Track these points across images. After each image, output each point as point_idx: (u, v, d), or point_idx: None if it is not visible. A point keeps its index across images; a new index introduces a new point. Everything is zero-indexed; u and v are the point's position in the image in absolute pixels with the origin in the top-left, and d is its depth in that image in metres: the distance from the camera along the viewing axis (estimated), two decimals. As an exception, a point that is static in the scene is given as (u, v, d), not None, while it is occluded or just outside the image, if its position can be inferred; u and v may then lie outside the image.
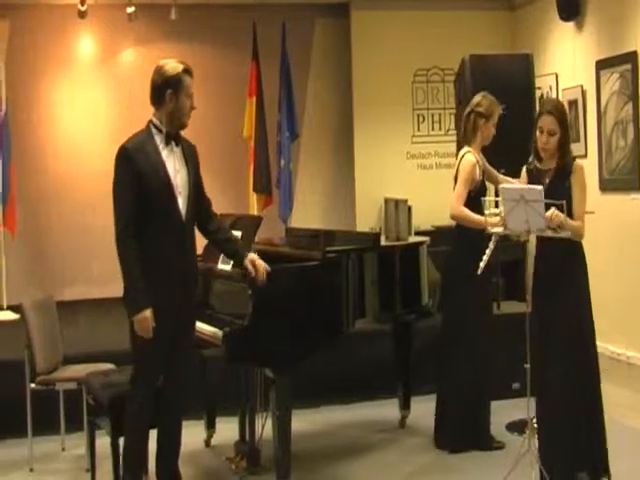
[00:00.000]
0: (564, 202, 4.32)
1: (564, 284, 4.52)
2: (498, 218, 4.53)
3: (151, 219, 4.15)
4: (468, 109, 5.35)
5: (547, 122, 4.53)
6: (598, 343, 7.68)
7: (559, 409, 4.47)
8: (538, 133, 4.57)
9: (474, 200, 5.02)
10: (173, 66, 4.23)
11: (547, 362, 4.48)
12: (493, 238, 4.63)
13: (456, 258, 5.35)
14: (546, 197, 4.31)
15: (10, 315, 5.52)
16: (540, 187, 4.32)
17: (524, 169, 4.76)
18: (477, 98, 5.34)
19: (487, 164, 5.39)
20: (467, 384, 5.28)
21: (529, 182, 4.61)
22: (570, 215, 4.41)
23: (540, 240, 4.59)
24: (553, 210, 4.32)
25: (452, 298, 5.43)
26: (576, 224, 4.47)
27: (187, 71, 4.26)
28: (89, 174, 8.93)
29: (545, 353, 4.49)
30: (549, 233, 4.37)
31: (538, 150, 4.60)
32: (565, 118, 4.61)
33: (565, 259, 4.54)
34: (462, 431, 5.29)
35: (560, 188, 4.47)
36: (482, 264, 4.62)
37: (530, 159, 4.70)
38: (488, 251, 4.63)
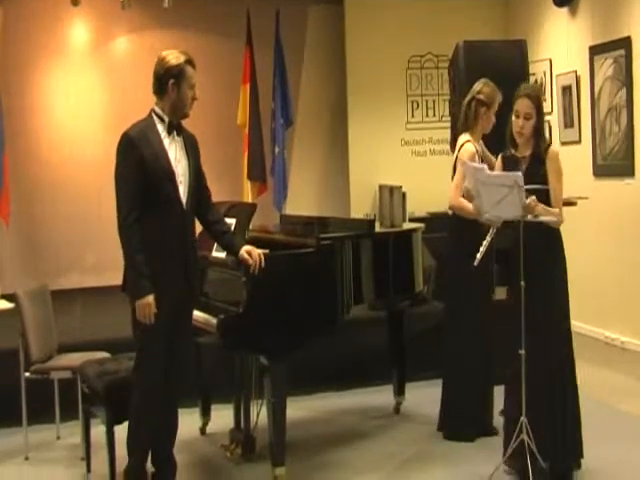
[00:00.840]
0: (549, 187, 4.34)
1: (541, 271, 4.52)
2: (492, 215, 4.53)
3: (153, 207, 4.17)
4: (469, 96, 5.30)
5: (523, 105, 4.57)
6: (593, 328, 7.78)
7: (534, 397, 4.50)
8: (514, 117, 4.62)
9: None
10: (175, 56, 4.27)
11: (521, 347, 4.50)
12: (491, 229, 4.64)
13: (454, 246, 5.34)
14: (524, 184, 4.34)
15: (4, 304, 5.51)
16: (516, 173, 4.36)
17: (500, 156, 4.78)
18: (478, 85, 5.29)
19: (486, 151, 5.37)
20: (472, 371, 5.28)
21: (505, 169, 4.64)
22: (548, 202, 4.44)
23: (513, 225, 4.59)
24: (532, 199, 4.34)
25: (452, 286, 5.42)
26: (554, 211, 4.49)
27: (189, 62, 4.29)
28: (83, 162, 8.92)
29: (520, 338, 4.50)
30: (530, 218, 4.38)
31: (513, 135, 4.62)
32: (541, 103, 4.65)
33: (542, 246, 4.55)
34: (469, 418, 5.29)
35: (536, 175, 4.49)
36: (479, 255, 4.63)
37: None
38: (485, 242, 4.64)
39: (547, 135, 4.78)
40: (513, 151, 4.67)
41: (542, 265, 4.53)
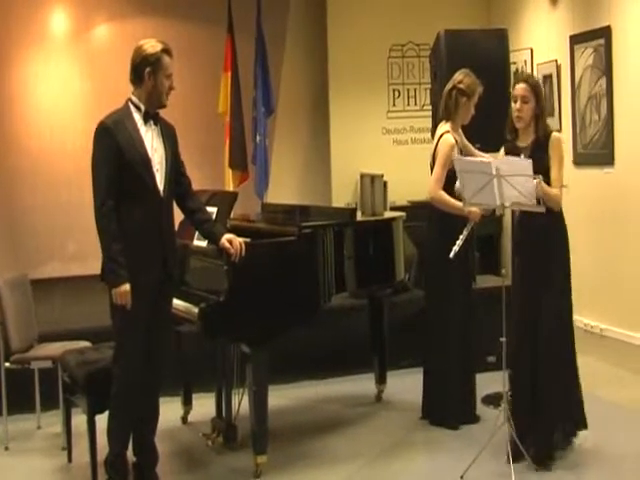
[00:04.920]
0: (540, 176, 4.37)
1: (548, 256, 4.56)
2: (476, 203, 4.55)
3: (129, 195, 4.18)
4: (450, 85, 5.29)
5: (520, 89, 4.65)
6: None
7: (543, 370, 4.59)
8: (512, 103, 4.66)
9: (453, 179, 5.00)
10: (152, 45, 4.27)
11: (529, 331, 4.56)
12: (468, 224, 4.67)
13: (435, 234, 5.34)
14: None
15: (-16, 293, 5.48)
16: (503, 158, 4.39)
17: (502, 149, 4.80)
18: (460, 75, 5.27)
19: (465, 140, 5.37)
20: (454, 359, 5.30)
21: None
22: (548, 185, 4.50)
23: (520, 211, 4.62)
24: (539, 179, 4.40)
25: (434, 274, 5.43)
26: (553, 191, 4.54)
27: (166, 51, 4.29)
28: (63, 150, 8.86)
29: (528, 322, 4.56)
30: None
31: (514, 124, 4.65)
32: (539, 88, 4.73)
33: (547, 230, 4.58)
34: (452, 406, 5.31)
35: (539, 162, 4.50)
36: (455, 247, 4.65)
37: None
38: (462, 236, 4.66)
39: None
40: (514, 141, 4.71)
41: (546, 251, 4.58)
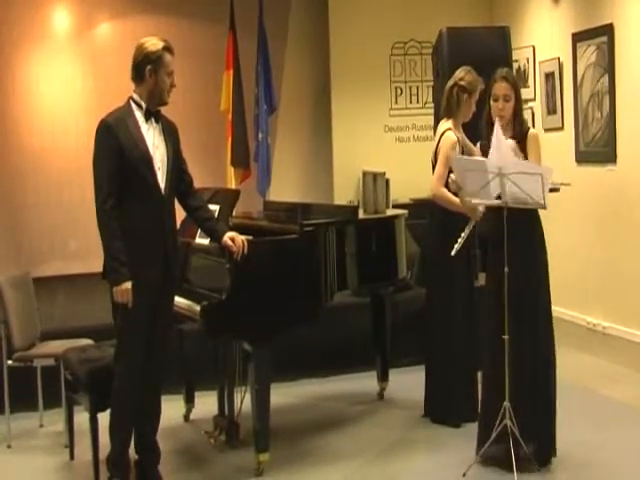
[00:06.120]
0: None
1: (521, 256, 4.52)
2: (477, 201, 4.53)
3: (131, 193, 4.18)
4: (451, 82, 5.29)
5: (502, 88, 4.62)
6: (575, 314, 7.81)
7: (518, 381, 4.51)
8: (492, 102, 4.65)
9: None
10: (153, 43, 4.28)
11: (501, 331, 4.48)
12: (469, 222, 4.66)
13: (437, 232, 5.34)
14: None
15: (-14, 292, 5.49)
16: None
17: (478, 145, 4.79)
18: (461, 72, 5.28)
19: (466, 139, 5.37)
20: (457, 357, 5.30)
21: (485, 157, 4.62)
22: None
23: (493, 210, 4.58)
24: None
25: (436, 272, 5.43)
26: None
27: (167, 49, 4.29)
28: (65, 149, 8.84)
29: (499, 321, 4.50)
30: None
31: (491, 121, 4.63)
32: (518, 85, 4.70)
33: (521, 230, 4.54)
34: (454, 404, 5.31)
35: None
36: (457, 245, 4.64)
37: None
38: (463, 234, 4.65)
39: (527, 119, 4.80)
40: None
41: (522, 250, 4.54)
